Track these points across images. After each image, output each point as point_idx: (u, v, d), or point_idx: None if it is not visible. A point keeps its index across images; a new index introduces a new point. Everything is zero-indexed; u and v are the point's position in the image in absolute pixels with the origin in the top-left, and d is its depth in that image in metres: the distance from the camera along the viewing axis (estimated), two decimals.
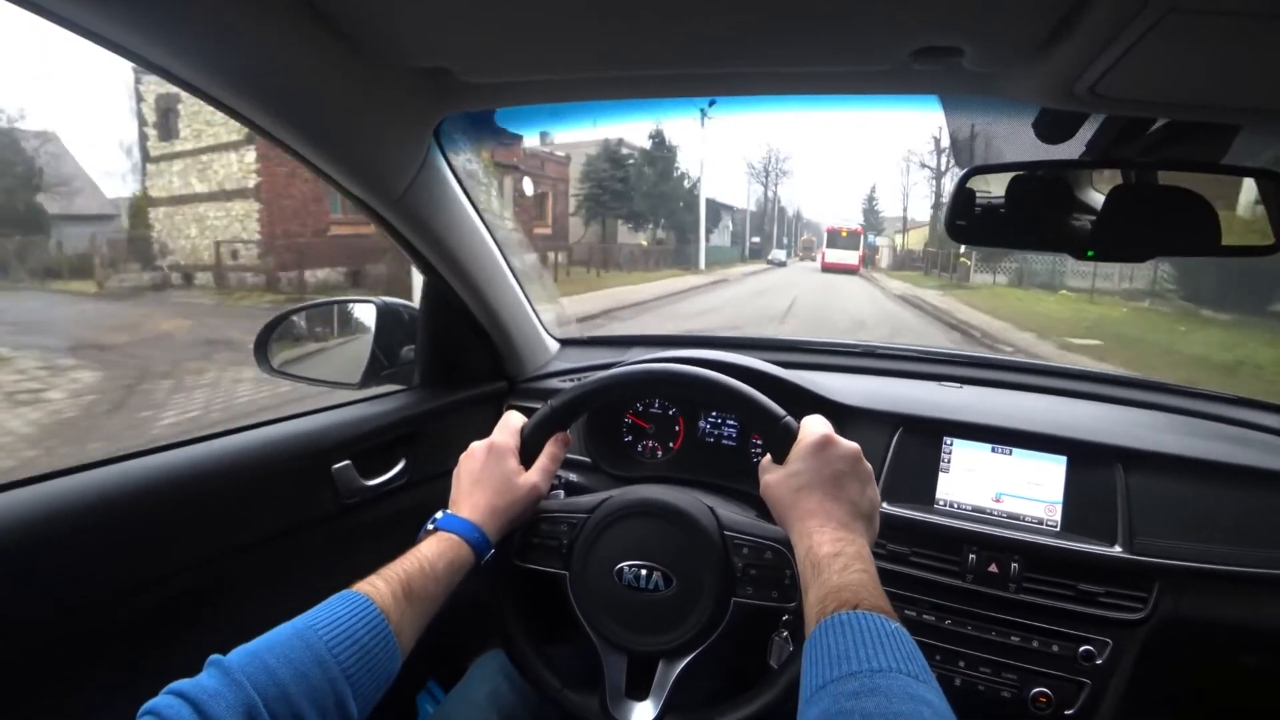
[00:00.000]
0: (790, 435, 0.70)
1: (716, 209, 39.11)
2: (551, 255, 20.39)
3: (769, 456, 0.72)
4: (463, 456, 0.77)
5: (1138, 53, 0.52)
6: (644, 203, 28.84)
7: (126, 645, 0.74)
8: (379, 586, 0.61)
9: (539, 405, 0.80)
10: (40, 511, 0.66)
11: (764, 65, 0.63)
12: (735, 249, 42.66)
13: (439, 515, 0.72)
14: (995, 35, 0.56)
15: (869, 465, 0.69)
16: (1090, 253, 0.78)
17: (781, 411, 0.72)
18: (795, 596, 0.69)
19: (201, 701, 0.47)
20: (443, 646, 1.15)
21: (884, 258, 42.44)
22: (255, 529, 0.85)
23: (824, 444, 0.68)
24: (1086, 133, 0.80)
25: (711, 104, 0.91)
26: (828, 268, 31.40)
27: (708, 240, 32.15)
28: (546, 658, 0.78)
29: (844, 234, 33.39)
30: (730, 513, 0.77)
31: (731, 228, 43.98)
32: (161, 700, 0.47)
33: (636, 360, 1.10)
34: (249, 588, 0.85)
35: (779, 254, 43.78)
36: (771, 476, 0.70)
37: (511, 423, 0.79)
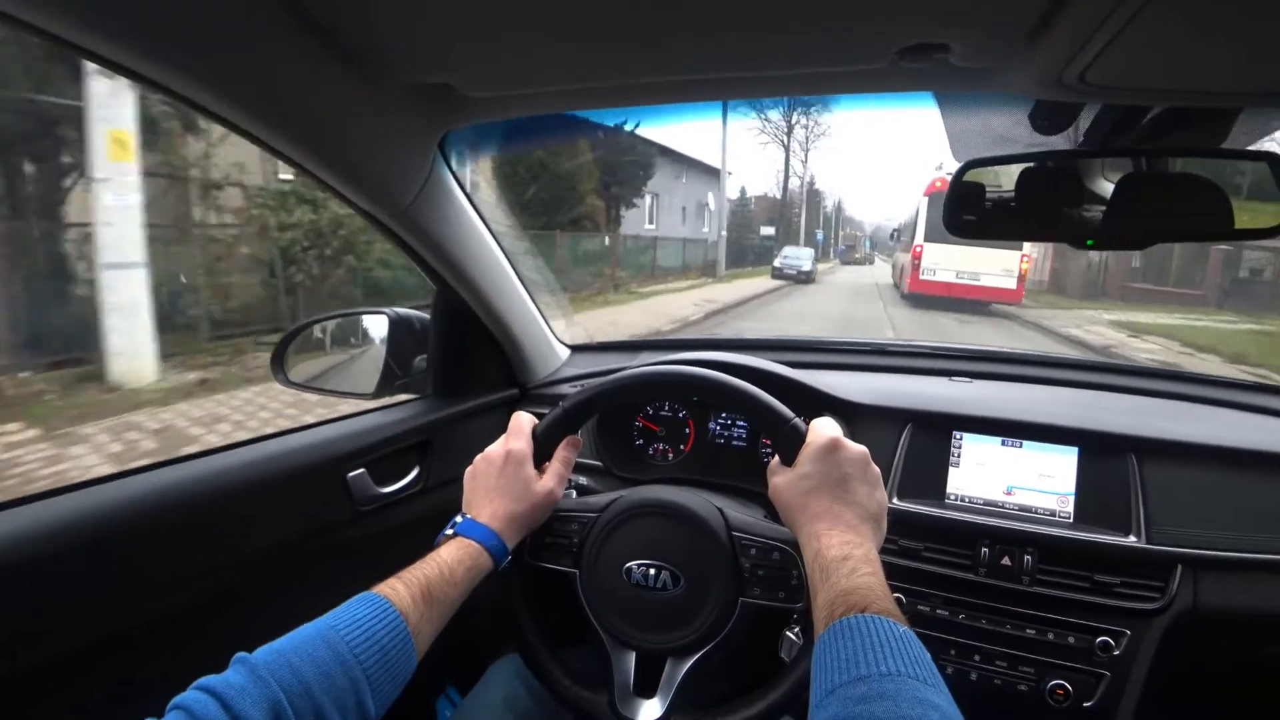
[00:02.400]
0: (799, 437, 0.71)
1: (678, 170, 22.03)
2: None
3: (778, 458, 0.73)
4: (479, 460, 0.79)
5: (1124, 40, 0.52)
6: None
7: (150, 651, 0.76)
8: (399, 590, 0.62)
9: (549, 410, 0.82)
10: (69, 521, 0.69)
11: (757, 69, 0.64)
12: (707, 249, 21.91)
13: (458, 520, 0.74)
14: (981, 29, 0.57)
15: (877, 468, 0.70)
16: (1089, 241, 0.78)
17: (790, 414, 0.73)
18: (802, 597, 0.70)
19: (229, 697, 0.48)
20: (461, 651, 1.17)
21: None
22: (273, 536, 0.87)
23: (832, 447, 0.68)
24: (1084, 123, 0.80)
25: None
26: (925, 292, 13.02)
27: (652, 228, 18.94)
28: (559, 657, 0.79)
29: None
30: (739, 513, 0.77)
31: (713, 208, 24.51)
32: (190, 695, 0.48)
33: (647, 363, 1.11)
34: (268, 593, 0.87)
35: (796, 257, 22.99)
36: (780, 479, 0.71)
37: (524, 428, 0.80)
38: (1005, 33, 0.57)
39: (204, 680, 0.50)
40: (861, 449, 0.69)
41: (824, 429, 0.71)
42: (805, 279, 21.43)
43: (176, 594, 0.77)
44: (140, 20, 0.53)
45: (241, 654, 0.53)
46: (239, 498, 0.83)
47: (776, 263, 22.41)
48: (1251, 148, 0.86)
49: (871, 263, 39.66)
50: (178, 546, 0.77)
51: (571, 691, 0.76)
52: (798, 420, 0.72)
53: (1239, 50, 0.56)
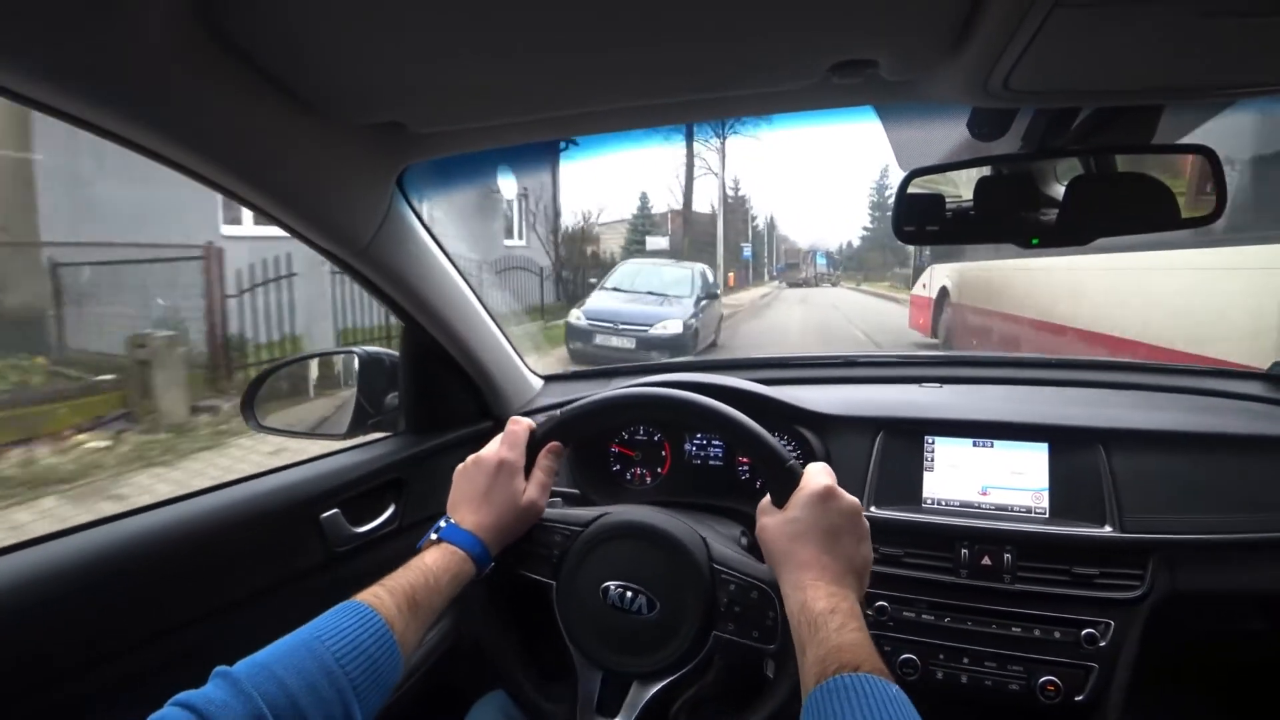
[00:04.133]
0: (793, 480, 0.70)
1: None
2: None
3: (768, 497, 0.73)
4: (470, 461, 0.78)
5: (1038, 47, 0.55)
6: None
7: (117, 712, 0.74)
8: (383, 597, 0.62)
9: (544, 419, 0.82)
10: (28, 578, 0.67)
11: (695, 93, 0.67)
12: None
13: (442, 524, 0.73)
14: (905, 43, 0.59)
15: (866, 523, 0.70)
16: (1035, 240, 0.81)
17: (787, 455, 0.72)
18: (776, 639, 0.70)
19: (209, 713, 0.46)
20: (445, 691, 1.14)
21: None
22: (246, 583, 0.86)
23: (826, 495, 0.68)
24: (1021, 127, 0.83)
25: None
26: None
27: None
28: (525, 662, 0.78)
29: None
30: (722, 546, 0.77)
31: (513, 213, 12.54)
32: (167, 712, 0.47)
33: (630, 385, 1.11)
34: (242, 643, 0.85)
35: (646, 287, 8.58)
36: (770, 520, 0.70)
37: (520, 437, 0.79)
38: (929, 45, 0.59)
39: (182, 695, 0.48)
40: (854, 500, 0.69)
41: (818, 476, 0.70)
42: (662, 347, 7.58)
43: (143, 653, 0.75)
44: (85, 68, 0.53)
45: (222, 667, 0.52)
46: (210, 546, 0.82)
47: (580, 313, 8.16)
48: (1184, 140, 0.90)
49: (835, 284, 32.99)
50: (143, 603, 0.75)
51: (532, 697, 0.76)
52: (795, 463, 0.72)
53: (1150, 50, 0.58)
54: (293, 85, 0.65)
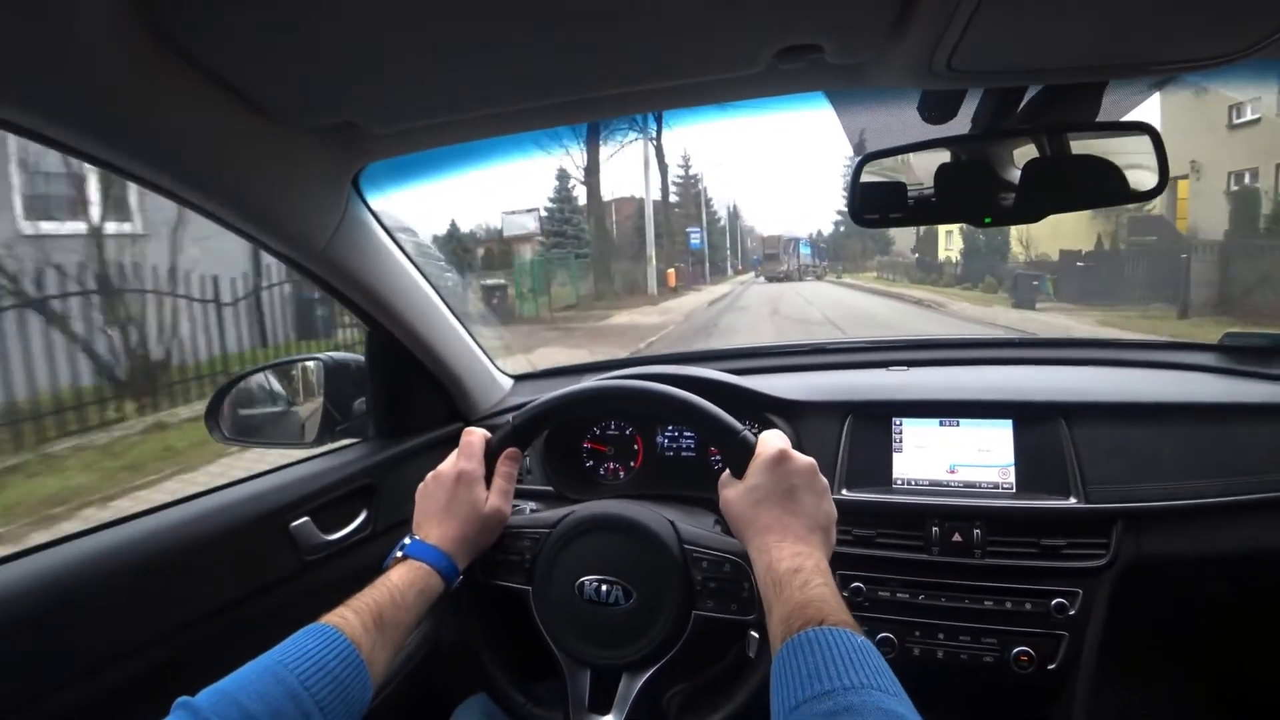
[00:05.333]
0: (748, 450, 0.71)
1: None
2: None
3: (728, 471, 0.73)
4: (429, 478, 0.78)
5: (979, 24, 0.56)
6: None
7: None
8: (348, 618, 0.61)
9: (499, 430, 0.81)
10: None
11: (642, 83, 0.67)
12: None
13: (407, 541, 0.73)
14: (847, 27, 0.60)
15: (825, 480, 0.70)
16: (987, 219, 0.82)
17: (739, 426, 0.73)
18: (754, 609, 0.70)
19: None
20: (428, 696, 1.13)
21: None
22: (216, 596, 0.84)
23: (780, 458, 0.68)
24: (970, 109, 0.85)
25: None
26: None
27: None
28: (513, 675, 0.78)
29: None
30: (690, 526, 0.78)
31: None
32: None
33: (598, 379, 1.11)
34: (214, 657, 0.83)
35: None
36: (730, 491, 0.71)
37: (475, 448, 0.79)
38: (870, 28, 0.60)
39: None
40: (809, 460, 0.70)
41: (772, 441, 0.71)
42: None
43: (110, 672, 0.73)
44: (18, 68, 0.51)
45: (184, 698, 0.51)
46: (177, 560, 0.80)
47: None
48: (1127, 118, 0.92)
49: (819, 277, 28.62)
50: (110, 620, 0.73)
51: (524, 708, 0.75)
52: (746, 432, 0.72)
53: (1088, 28, 0.60)
54: (240, 86, 0.64)
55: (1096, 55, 0.63)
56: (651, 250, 18.22)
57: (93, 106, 0.57)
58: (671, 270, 20.42)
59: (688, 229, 27.59)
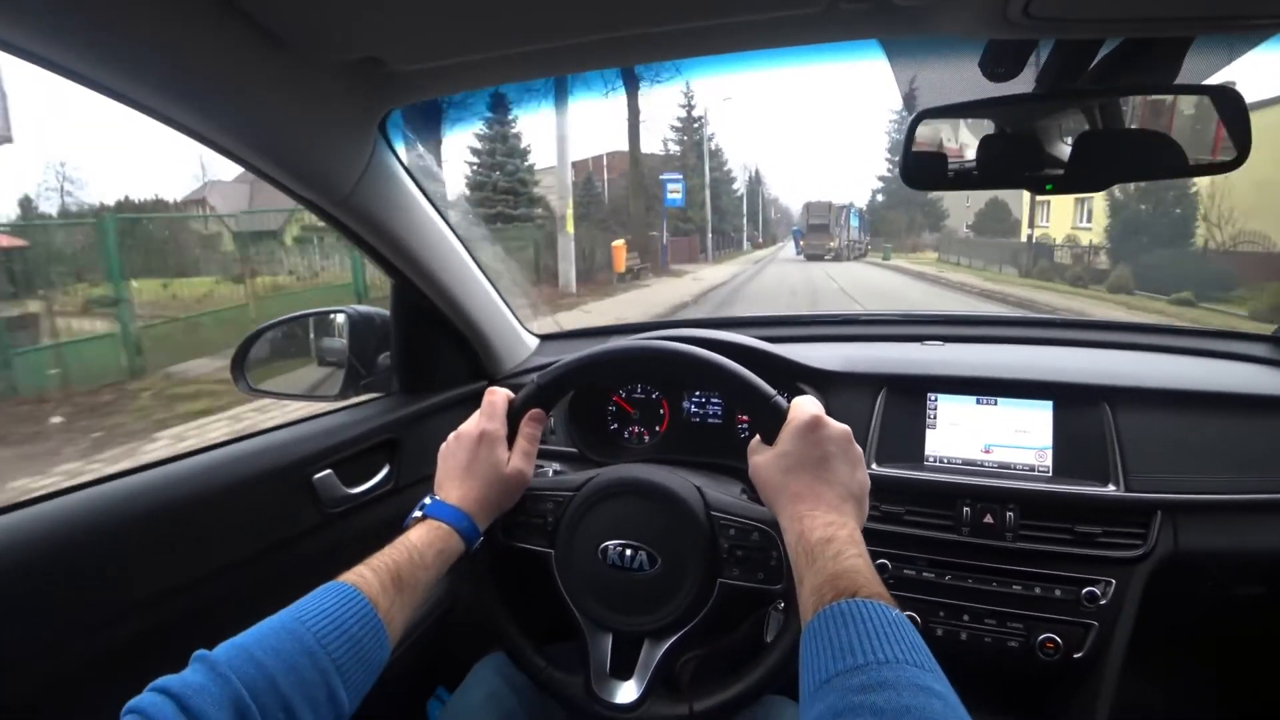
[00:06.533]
0: (780, 416, 0.68)
1: None
2: None
3: (758, 437, 0.70)
4: (451, 438, 0.76)
5: None
6: None
7: (111, 674, 0.73)
8: (367, 576, 0.61)
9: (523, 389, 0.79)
10: (20, 540, 0.65)
11: (688, 20, 0.62)
12: None
13: (427, 501, 0.72)
14: None
15: (859, 448, 0.68)
16: (1049, 186, 0.77)
17: (771, 391, 0.70)
18: (781, 579, 0.68)
19: (186, 697, 0.46)
20: (449, 653, 1.14)
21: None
22: (238, 546, 0.84)
23: (814, 425, 0.65)
24: (1033, 72, 0.79)
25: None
26: None
27: None
28: (534, 638, 0.77)
29: None
30: (718, 493, 0.76)
31: None
32: (145, 698, 0.46)
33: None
34: (236, 606, 0.84)
35: None
36: (760, 458, 0.68)
37: (499, 407, 0.77)
38: None
39: (160, 681, 0.47)
40: (844, 427, 0.67)
41: (806, 406, 0.68)
42: None
43: (135, 617, 0.74)
44: (44, 5, 0.50)
45: (201, 651, 0.51)
46: (200, 508, 0.80)
47: None
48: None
49: (859, 257, 23.89)
50: (134, 566, 0.73)
51: (545, 672, 0.75)
52: (779, 398, 0.69)
53: None
54: (261, 17, 0.61)
55: (1194, 4, 0.57)
56: (568, 214, 11.33)
57: (108, 38, 0.55)
58: (619, 244, 15.05)
59: (663, 176, 20.27)
